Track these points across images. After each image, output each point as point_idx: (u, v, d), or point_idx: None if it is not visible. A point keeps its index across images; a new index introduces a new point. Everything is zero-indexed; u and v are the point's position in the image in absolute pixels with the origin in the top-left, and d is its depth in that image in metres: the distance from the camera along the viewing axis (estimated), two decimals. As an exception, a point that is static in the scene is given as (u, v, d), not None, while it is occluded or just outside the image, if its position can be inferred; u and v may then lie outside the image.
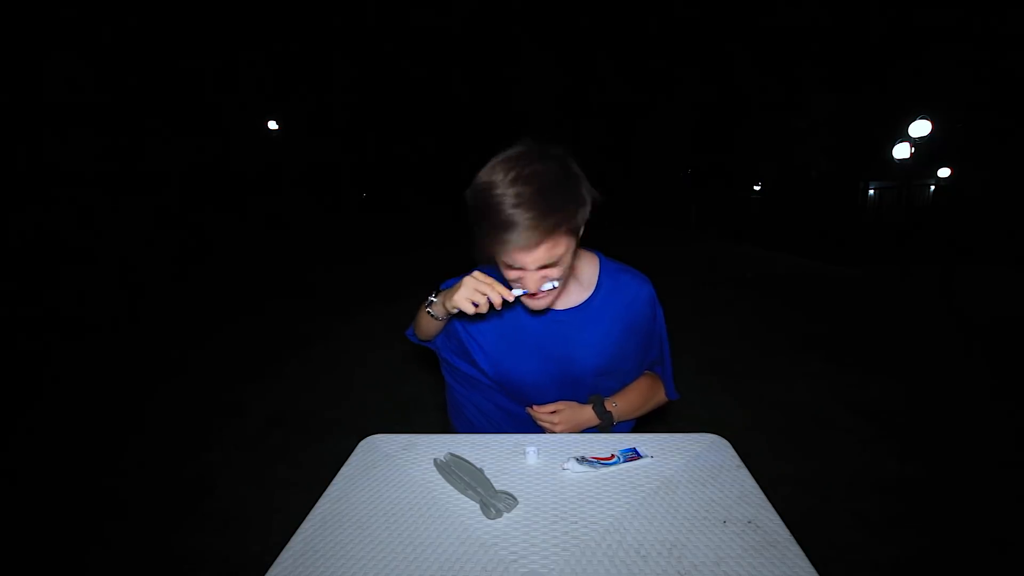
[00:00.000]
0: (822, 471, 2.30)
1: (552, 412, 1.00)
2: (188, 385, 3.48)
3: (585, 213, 0.81)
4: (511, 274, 0.84)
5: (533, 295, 0.85)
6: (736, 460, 0.83)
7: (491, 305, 0.82)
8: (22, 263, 9.01)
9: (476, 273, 0.84)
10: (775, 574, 0.60)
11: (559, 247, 0.79)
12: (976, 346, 4.14)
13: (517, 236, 0.75)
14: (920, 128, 7.85)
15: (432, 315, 0.96)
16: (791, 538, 0.65)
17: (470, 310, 0.82)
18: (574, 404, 1.01)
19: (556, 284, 0.84)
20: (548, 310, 0.95)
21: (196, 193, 15.35)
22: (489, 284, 0.81)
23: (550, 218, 0.75)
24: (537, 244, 0.77)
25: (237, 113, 16.69)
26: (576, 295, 1.00)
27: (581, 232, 0.84)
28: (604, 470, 0.81)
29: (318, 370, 3.73)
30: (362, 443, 0.92)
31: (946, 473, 2.28)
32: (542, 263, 0.79)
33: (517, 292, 0.84)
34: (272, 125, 16.19)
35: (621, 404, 1.03)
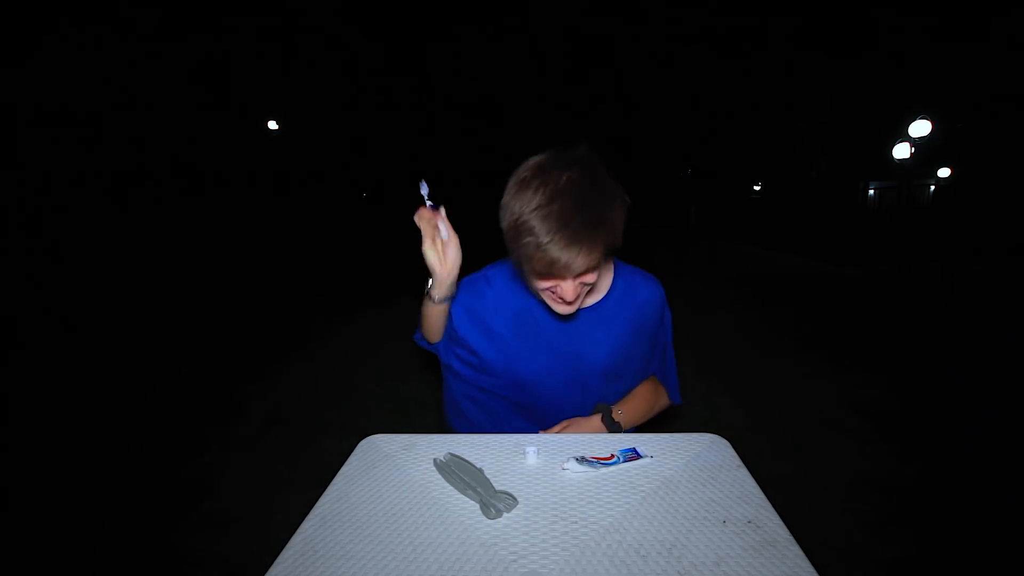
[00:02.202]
0: (822, 471, 2.31)
1: (560, 432, 0.99)
2: (188, 385, 3.48)
3: (620, 216, 0.80)
4: (545, 283, 0.83)
5: (570, 303, 0.85)
6: (736, 460, 0.83)
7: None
8: (22, 263, 9.01)
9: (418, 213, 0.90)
10: (775, 574, 0.59)
11: (595, 254, 0.78)
12: (976, 346, 4.14)
13: (555, 260, 0.75)
14: (920, 128, 7.83)
15: (431, 298, 0.97)
16: (791, 538, 0.65)
17: (438, 242, 0.90)
18: (580, 420, 1.00)
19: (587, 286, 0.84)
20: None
21: (195, 193, 15.36)
22: (425, 219, 0.89)
23: (585, 237, 0.75)
24: (577, 263, 0.76)
25: (238, 113, 16.69)
26: (590, 295, 1.00)
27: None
28: (604, 470, 0.81)
29: (318, 370, 3.73)
30: (362, 443, 0.92)
31: (946, 473, 2.28)
32: (579, 272, 0.80)
33: (428, 201, 0.91)
34: (272, 125, 16.18)
35: (628, 412, 1.03)
